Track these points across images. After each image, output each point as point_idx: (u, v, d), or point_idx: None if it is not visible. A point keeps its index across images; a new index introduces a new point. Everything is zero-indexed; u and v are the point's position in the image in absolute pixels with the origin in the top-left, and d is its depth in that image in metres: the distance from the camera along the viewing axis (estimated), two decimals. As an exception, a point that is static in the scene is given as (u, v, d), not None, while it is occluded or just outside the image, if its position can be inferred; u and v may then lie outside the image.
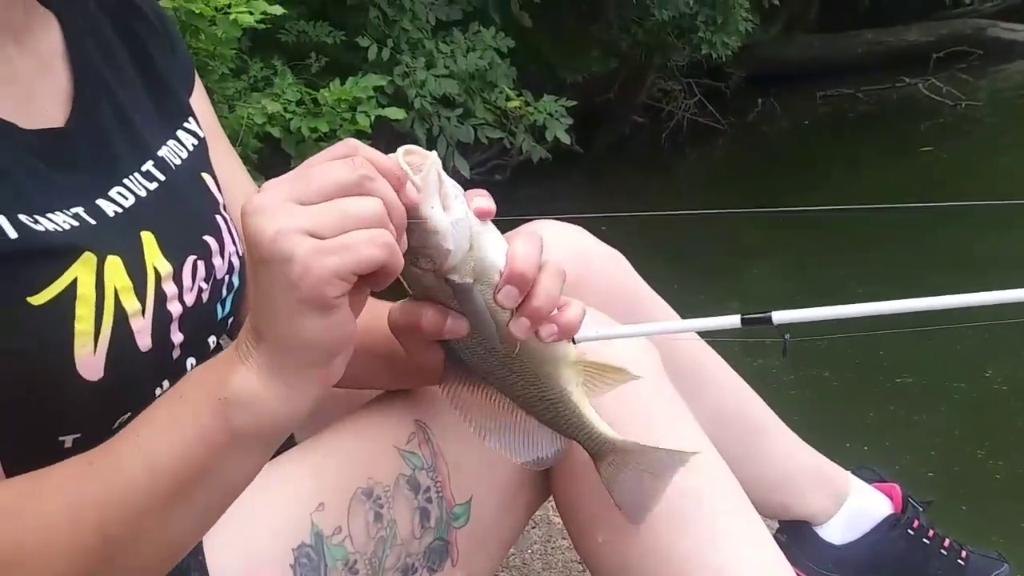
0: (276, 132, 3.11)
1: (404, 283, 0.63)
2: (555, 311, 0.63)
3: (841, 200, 4.70)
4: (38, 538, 0.56)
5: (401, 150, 0.59)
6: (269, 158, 3.17)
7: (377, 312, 0.70)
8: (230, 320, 0.78)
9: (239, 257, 0.78)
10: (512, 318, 0.62)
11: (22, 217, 0.62)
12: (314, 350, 0.54)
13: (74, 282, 0.62)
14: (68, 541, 0.56)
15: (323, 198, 0.53)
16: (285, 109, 3.13)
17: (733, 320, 0.82)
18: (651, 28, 5.79)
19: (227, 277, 0.76)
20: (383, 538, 0.73)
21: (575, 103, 4.39)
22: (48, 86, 0.71)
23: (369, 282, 0.56)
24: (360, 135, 3.28)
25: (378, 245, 0.53)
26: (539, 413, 0.67)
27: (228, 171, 0.86)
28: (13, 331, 0.60)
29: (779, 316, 0.79)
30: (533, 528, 1.36)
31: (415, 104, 3.86)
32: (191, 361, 0.72)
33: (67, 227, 0.65)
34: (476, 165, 4.41)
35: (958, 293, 0.78)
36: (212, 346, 0.77)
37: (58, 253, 0.63)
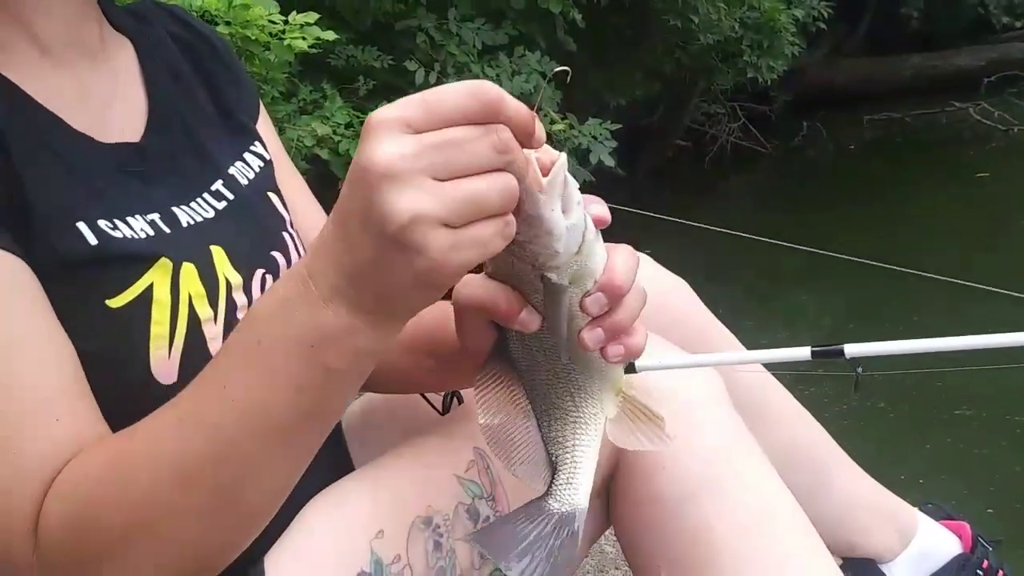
0: (325, 154, 3.15)
1: (488, 262, 0.60)
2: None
3: (894, 227, 4.61)
4: (146, 503, 0.56)
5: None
6: (317, 179, 3.21)
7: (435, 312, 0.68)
8: None
9: None
10: (588, 327, 0.60)
11: (101, 223, 0.64)
12: (413, 308, 0.54)
13: (151, 286, 0.64)
14: (175, 505, 0.56)
15: (458, 173, 0.50)
16: (334, 132, 3.18)
17: (803, 352, 0.79)
18: (696, 52, 5.77)
19: None
20: (443, 568, 0.72)
21: (620, 126, 4.39)
22: (123, 104, 0.74)
23: None
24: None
25: (504, 237, 0.52)
26: (553, 431, 0.64)
27: (292, 191, 0.87)
28: (92, 333, 0.61)
29: (852, 349, 0.76)
30: (586, 558, 1.34)
31: (461, 127, 3.88)
32: None
33: (143, 234, 0.66)
34: (519, 187, 4.41)
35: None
36: None
37: (136, 258, 0.64)
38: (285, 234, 0.78)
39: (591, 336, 0.60)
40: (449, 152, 0.49)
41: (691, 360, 0.80)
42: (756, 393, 0.96)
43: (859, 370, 0.76)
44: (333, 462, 0.88)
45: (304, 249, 0.80)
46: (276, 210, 0.80)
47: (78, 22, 0.70)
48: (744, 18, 5.63)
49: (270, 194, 0.81)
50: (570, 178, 0.58)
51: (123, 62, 0.75)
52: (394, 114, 0.49)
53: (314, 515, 0.72)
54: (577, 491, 0.64)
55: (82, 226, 0.62)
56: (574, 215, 0.58)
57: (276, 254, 0.76)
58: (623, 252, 0.61)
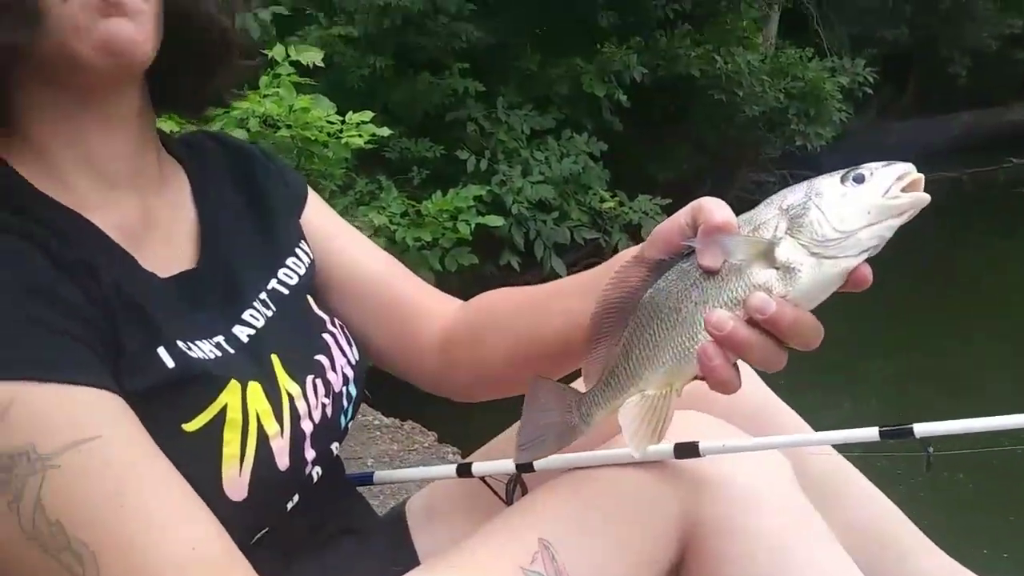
0: (382, 243, 3.24)
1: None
2: (732, 376, 0.63)
3: (961, 289, 4.46)
4: None
5: (903, 172, 0.62)
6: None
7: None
8: (349, 425, 0.81)
9: (351, 366, 0.81)
10: (728, 310, 0.62)
11: (179, 343, 0.67)
12: None
13: (224, 408, 0.66)
14: None
15: None
16: (391, 221, 3.27)
17: (871, 432, 0.77)
18: (742, 123, 5.82)
19: (344, 388, 0.80)
20: (512, 662, 0.71)
21: (669, 200, 4.42)
22: (180, 228, 0.78)
23: None
24: (461, 243, 3.38)
25: None
26: (621, 363, 0.66)
27: (365, 252, 0.94)
28: (168, 457, 0.63)
29: (921, 428, 0.74)
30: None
31: (512, 210, 3.97)
32: (317, 470, 0.75)
33: (212, 356, 0.69)
34: (571, 264, 4.46)
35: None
36: (335, 452, 0.79)
37: (209, 379, 0.67)
38: (326, 335, 0.81)
39: (718, 317, 0.61)
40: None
41: (755, 443, 0.79)
42: (825, 473, 0.94)
43: (930, 450, 0.74)
44: (396, 554, 0.88)
45: (348, 343, 0.82)
46: (314, 313, 0.83)
47: (139, 152, 0.75)
48: (788, 88, 5.68)
49: (309, 297, 0.84)
50: (897, 222, 0.61)
51: (179, 188, 0.80)
52: None
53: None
54: (593, 409, 0.69)
55: (161, 351, 0.65)
56: (868, 236, 0.60)
57: (320, 357, 0.78)
58: (818, 326, 0.62)
